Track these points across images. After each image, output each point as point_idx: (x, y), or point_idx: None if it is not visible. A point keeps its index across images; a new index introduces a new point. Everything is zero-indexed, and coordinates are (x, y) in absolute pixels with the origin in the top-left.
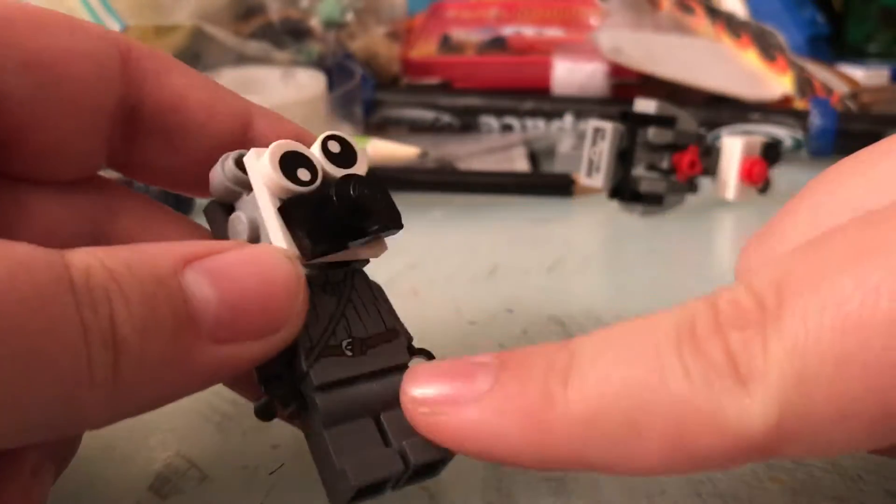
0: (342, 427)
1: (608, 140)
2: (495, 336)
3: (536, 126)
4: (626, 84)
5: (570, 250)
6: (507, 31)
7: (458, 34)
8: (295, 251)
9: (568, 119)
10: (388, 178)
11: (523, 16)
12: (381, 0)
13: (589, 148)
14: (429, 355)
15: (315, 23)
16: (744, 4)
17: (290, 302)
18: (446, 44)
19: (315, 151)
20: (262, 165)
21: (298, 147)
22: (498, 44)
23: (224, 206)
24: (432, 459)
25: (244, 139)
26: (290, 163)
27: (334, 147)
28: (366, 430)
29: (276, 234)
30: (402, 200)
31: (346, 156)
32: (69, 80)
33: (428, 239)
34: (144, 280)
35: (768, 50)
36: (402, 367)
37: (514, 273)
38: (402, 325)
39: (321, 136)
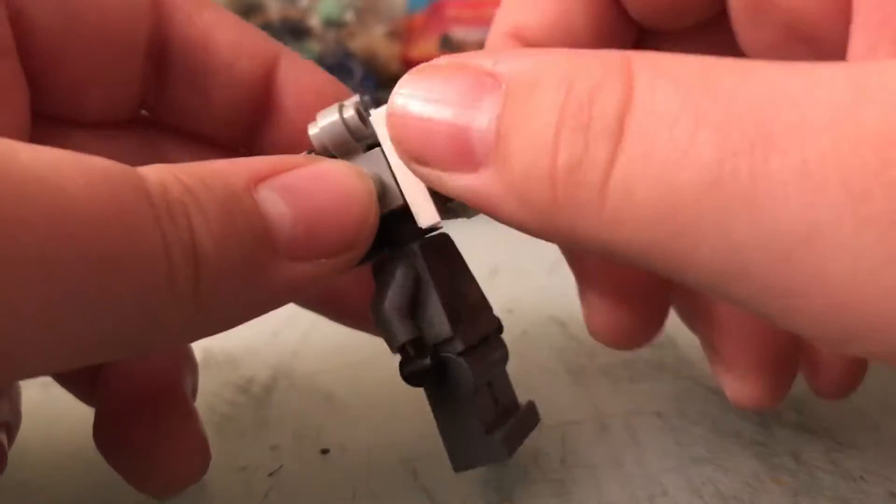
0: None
1: None
2: None
3: None
4: None
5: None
6: None
7: (459, 33)
8: (434, 213)
9: None
10: None
11: None
12: (381, 0)
13: None
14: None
15: (315, 22)
16: None
17: (364, 219)
18: (446, 43)
19: None
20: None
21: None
22: None
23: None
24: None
25: (269, 82)
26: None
27: None
28: (488, 397)
29: (417, 192)
30: None
31: None
32: (99, 12)
33: None
34: (220, 194)
35: None
36: (499, 331)
37: (514, 273)
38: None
39: None
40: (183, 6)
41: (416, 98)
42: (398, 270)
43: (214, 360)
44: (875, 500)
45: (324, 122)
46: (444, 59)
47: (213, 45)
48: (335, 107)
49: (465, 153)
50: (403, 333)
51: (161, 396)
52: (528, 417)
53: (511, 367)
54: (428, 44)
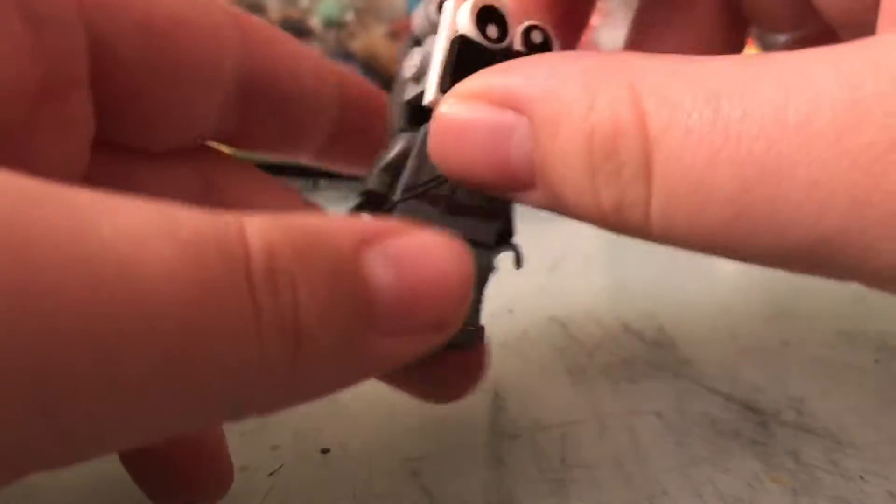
0: None
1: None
2: (496, 336)
3: None
4: None
5: (571, 251)
6: None
7: None
8: (435, 90)
9: None
10: None
11: None
12: (381, 0)
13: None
14: (516, 253)
15: (315, 22)
16: None
17: (460, 300)
18: None
19: (517, 39)
20: (455, 6)
21: (500, 7)
22: None
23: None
24: None
25: (345, 106)
26: (484, 16)
27: (537, 38)
28: None
29: (434, 70)
30: None
31: (544, 49)
32: (186, 47)
33: None
34: (331, 260)
35: (770, 48)
36: (487, 246)
37: (514, 273)
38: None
39: (524, 24)
40: (269, 38)
41: (452, 149)
42: (402, 141)
43: None
44: (875, 499)
45: (414, 15)
46: (464, 103)
47: (299, 75)
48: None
49: (514, 182)
50: (372, 182)
51: None
52: (466, 338)
53: (511, 367)
54: None
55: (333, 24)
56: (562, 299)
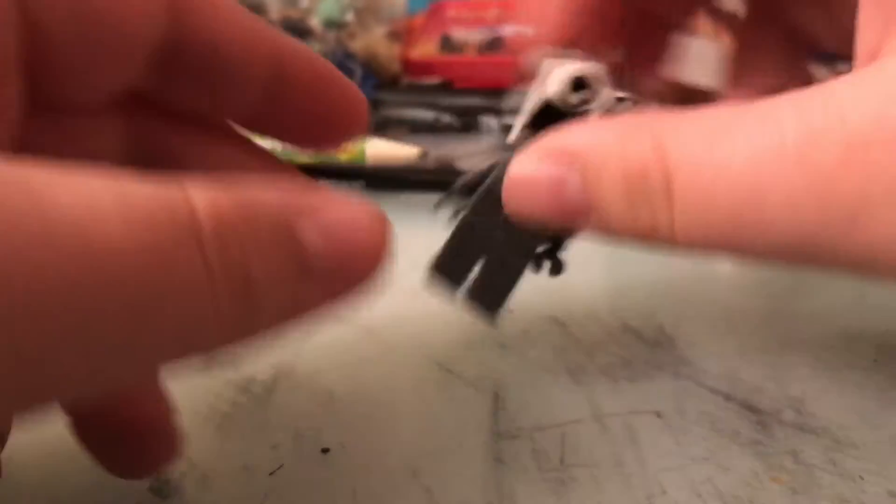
0: None
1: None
2: (496, 336)
3: None
4: None
5: (570, 250)
6: (507, 30)
7: (458, 34)
8: (517, 134)
9: None
10: (388, 178)
11: None
12: (381, 0)
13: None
14: (555, 263)
15: (315, 23)
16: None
17: (376, 260)
18: (446, 44)
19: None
20: (552, 70)
21: (590, 76)
22: (498, 43)
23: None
24: None
25: (279, 78)
26: (573, 85)
27: (619, 102)
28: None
29: (521, 118)
30: (402, 201)
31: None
32: (111, 10)
33: (428, 239)
34: (272, 226)
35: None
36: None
37: None
38: None
39: (612, 95)
40: (199, 8)
41: (522, 200)
42: (489, 166)
43: (216, 361)
44: (874, 499)
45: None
46: (531, 161)
47: (226, 48)
48: (534, 52)
49: (570, 217)
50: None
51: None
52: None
53: (511, 366)
54: (428, 45)
55: (334, 24)
56: (562, 299)
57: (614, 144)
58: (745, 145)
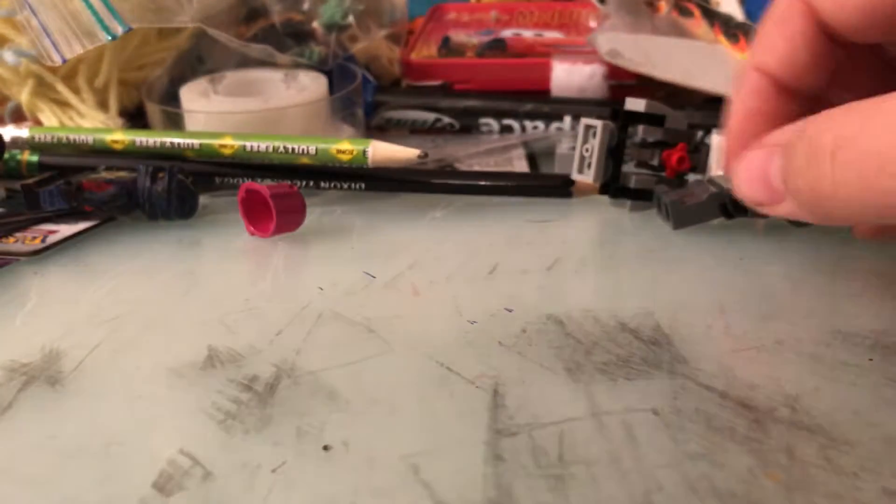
0: None
1: (599, 137)
2: (495, 335)
3: (536, 127)
4: (625, 86)
5: (569, 250)
6: (507, 33)
7: (458, 36)
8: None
9: (567, 120)
10: (388, 180)
11: (522, 18)
12: (382, 3)
13: (581, 145)
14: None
15: (317, 25)
16: (741, 7)
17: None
18: (446, 46)
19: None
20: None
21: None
22: (497, 46)
23: None
24: None
25: None
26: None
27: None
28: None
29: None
30: (402, 201)
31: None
32: None
33: (428, 239)
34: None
35: None
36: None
37: (513, 273)
38: None
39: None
40: None
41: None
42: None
43: (218, 359)
44: (869, 496)
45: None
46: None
47: None
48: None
49: (773, 195)
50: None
51: None
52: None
53: (510, 366)
54: (428, 47)
55: (335, 27)
56: (559, 298)
57: (796, 134)
58: (873, 130)
